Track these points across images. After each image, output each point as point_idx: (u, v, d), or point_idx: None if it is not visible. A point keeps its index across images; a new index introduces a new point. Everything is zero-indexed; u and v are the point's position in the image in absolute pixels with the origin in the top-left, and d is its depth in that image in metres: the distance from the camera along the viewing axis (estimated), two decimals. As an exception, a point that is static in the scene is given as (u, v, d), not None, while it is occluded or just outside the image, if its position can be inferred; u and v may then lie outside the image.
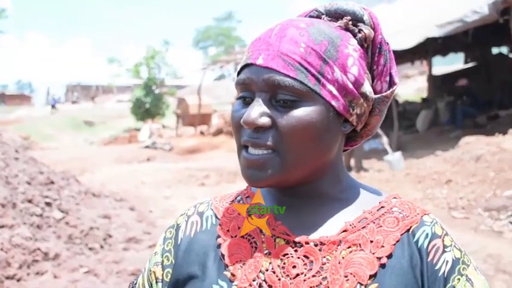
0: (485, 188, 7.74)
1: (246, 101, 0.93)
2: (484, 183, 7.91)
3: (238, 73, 0.95)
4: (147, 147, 18.48)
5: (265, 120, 0.89)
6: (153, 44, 49.27)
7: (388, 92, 0.98)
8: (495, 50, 18.46)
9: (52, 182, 6.62)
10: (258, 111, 0.89)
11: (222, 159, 14.71)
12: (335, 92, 0.90)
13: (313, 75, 0.89)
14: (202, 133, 22.14)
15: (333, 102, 0.90)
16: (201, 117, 22.85)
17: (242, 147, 0.93)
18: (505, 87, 14.78)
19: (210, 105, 23.95)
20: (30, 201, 5.76)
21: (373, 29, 0.96)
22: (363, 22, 0.96)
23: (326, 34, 0.92)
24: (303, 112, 0.88)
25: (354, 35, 0.95)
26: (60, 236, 5.60)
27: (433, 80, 18.49)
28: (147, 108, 26.87)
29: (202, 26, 64.13)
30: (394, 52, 1.02)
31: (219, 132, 20.52)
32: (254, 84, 0.91)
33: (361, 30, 0.95)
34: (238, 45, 53.42)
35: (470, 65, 18.97)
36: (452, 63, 23.48)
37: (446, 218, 7.01)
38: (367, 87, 0.94)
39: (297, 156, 0.90)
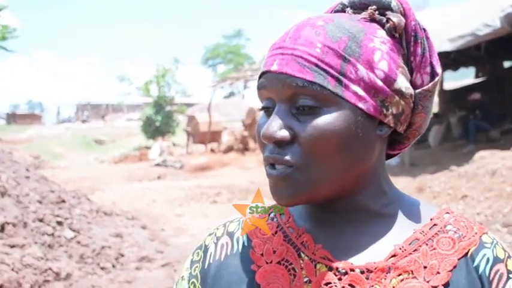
0: (502, 203, 7.61)
1: (268, 111, 0.83)
2: (501, 198, 7.78)
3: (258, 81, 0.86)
4: (157, 165, 18.42)
5: (284, 134, 0.79)
6: (163, 62, 49.55)
7: (430, 84, 0.86)
8: (507, 64, 18.36)
9: (63, 201, 6.56)
10: (276, 124, 0.79)
11: (232, 176, 14.65)
12: (361, 92, 0.79)
13: (332, 76, 0.78)
14: (212, 150, 22.09)
15: (360, 104, 0.79)
16: (211, 135, 22.82)
17: (266, 164, 0.83)
18: (518, 101, 14.67)
19: (220, 122, 23.90)
20: (41, 220, 5.69)
21: (404, 15, 0.84)
22: (391, 10, 0.85)
23: (346, 29, 0.81)
24: (325, 120, 0.78)
25: (382, 26, 0.84)
26: (71, 255, 5.53)
27: (443, 95, 18.40)
28: (157, 126, 26.88)
29: (211, 43, 64.34)
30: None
31: (229, 149, 20.47)
32: (272, 92, 0.81)
33: (389, 19, 0.83)
34: (247, 63, 53.45)
35: (481, 79, 18.87)
36: (463, 78, 23.39)
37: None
38: (401, 83, 0.82)
39: (323, 170, 0.79)
